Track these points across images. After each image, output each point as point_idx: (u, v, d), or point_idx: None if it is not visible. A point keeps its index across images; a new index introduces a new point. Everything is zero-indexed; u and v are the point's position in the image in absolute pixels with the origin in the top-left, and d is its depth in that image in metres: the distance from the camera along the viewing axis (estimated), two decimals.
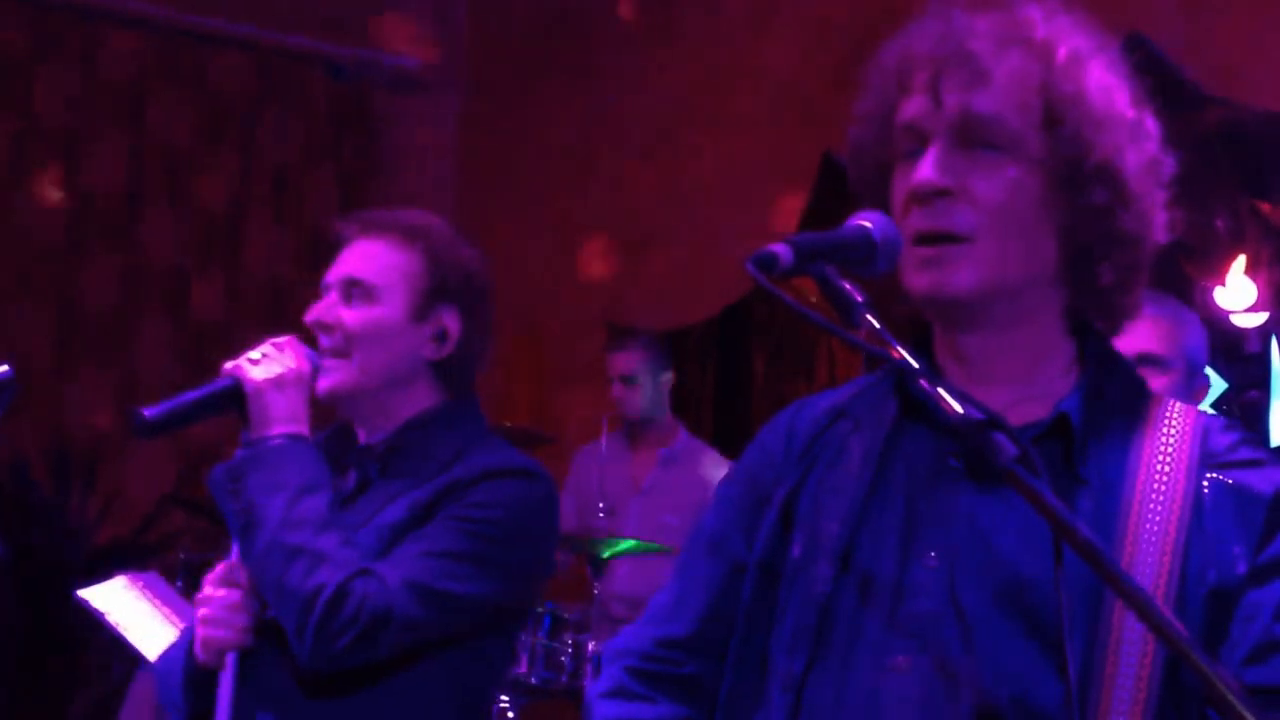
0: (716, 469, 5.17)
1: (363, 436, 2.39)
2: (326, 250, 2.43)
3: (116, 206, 6.03)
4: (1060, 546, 1.33)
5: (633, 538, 4.77)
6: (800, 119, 5.84)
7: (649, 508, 5.15)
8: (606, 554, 4.65)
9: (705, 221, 6.15)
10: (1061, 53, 1.52)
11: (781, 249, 1.40)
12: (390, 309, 2.33)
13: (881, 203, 1.57)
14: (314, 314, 2.35)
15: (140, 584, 4.07)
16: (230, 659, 2.18)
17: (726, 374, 6.36)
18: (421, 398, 2.36)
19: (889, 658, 1.50)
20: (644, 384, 5.26)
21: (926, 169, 1.51)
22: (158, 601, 4.03)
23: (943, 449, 1.53)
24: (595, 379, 5.55)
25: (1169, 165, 1.58)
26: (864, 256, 1.46)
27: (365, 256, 2.36)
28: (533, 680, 4.52)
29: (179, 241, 6.07)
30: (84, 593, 4.12)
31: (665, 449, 5.31)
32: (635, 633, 1.76)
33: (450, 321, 2.36)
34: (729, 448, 5.34)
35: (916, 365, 1.38)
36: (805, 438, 1.66)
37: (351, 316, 2.32)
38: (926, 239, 1.51)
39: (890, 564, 1.53)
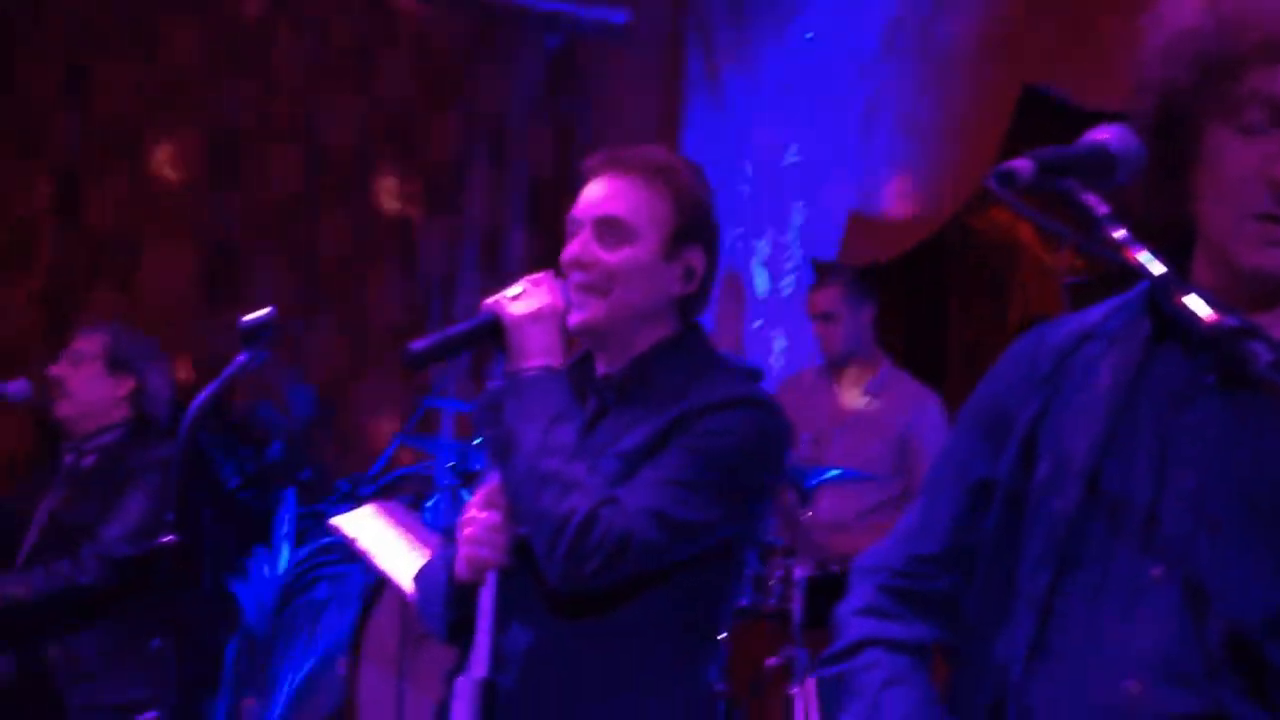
0: (920, 399, 5.26)
1: (601, 367, 2.46)
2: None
3: (349, 162, 6.39)
4: None
5: (837, 467, 4.88)
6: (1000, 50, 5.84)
7: (853, 438, 5.22)
8: (812, 483, 4.74)
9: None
10: None
11: (1022, 164, 1.39)
12: (645, 249, 2.39)
13: (1166, 142, 1.54)
14: (571, 253, 2.40)
15: (386, 511, 4.33)
16: (491, 576, 2.29)
17: (920, 309, 6.40)
18: (661, 330, 2.43)
19: (1141, 576, 1.48)
20: (845, 320, 5.30)
21: None
22: (401, 528, 4.23)
23: (1197, 368, 1.49)
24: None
25: None
26: (1103, 170, 1.44)
27: (616, 195, 2.40)
28: (743, 603, 4.66)
29: (405, 195, 6.42)
30: (336, 520, 4.39)
31: (870, 380, 5.34)
32: (887, 549, 1.77)
33: (695, 259, 2.43)
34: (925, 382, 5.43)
35: (1164, 273, 1.35)
36: (1050, 361, 1.64)
37: (610, 256, 2.38)
38: None
39: (1143, 486, 1.50)
